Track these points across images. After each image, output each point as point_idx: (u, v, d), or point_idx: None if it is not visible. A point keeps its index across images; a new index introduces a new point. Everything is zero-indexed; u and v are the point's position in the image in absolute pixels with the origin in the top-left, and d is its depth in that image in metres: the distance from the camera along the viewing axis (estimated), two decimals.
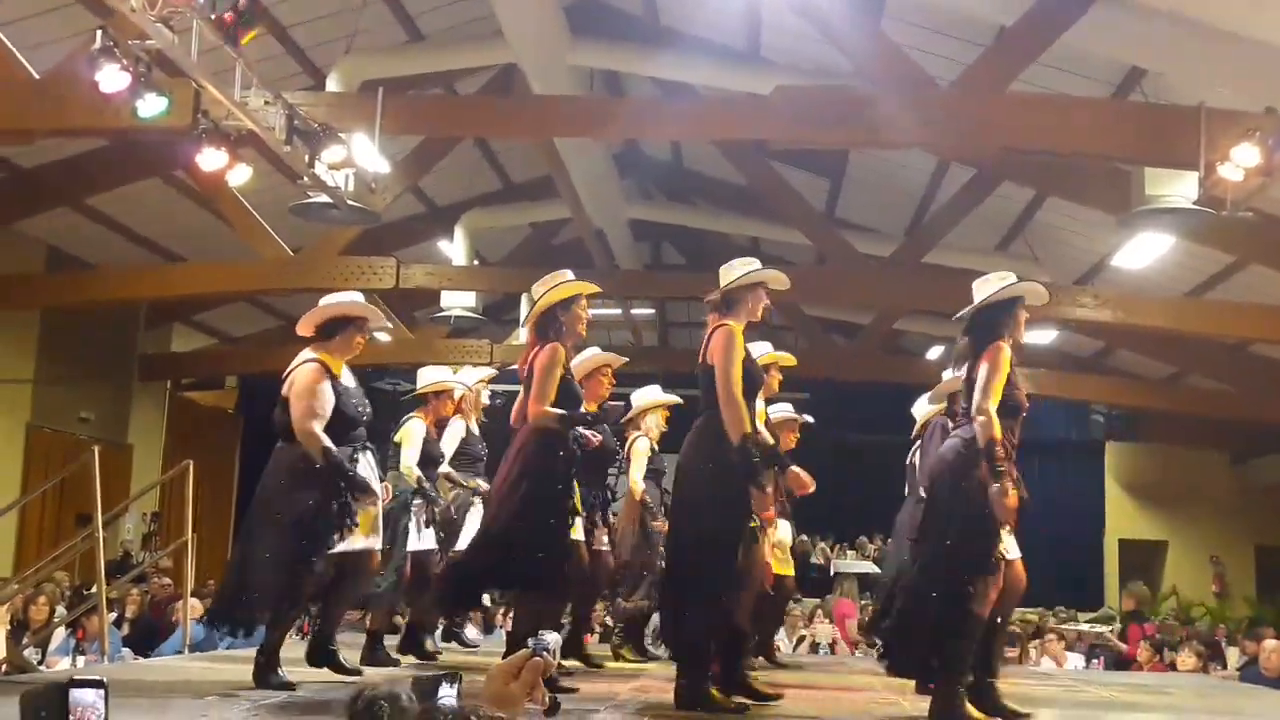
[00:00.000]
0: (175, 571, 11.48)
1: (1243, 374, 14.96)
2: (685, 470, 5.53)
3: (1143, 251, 11.59)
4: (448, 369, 8.02)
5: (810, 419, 8.35)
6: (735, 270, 5.66)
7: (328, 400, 5.63)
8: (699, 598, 5.29)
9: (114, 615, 9.60)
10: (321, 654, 5.98)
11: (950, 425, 6.23)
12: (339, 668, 5.95)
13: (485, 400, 7.99)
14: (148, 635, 9.69)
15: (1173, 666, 10.41)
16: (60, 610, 9.22)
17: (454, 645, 8.23)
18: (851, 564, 17.98)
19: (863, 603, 14.73)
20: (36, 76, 8.24)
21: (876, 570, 17.51)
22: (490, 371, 8.36)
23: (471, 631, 9.82)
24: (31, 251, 14.04)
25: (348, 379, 5.86)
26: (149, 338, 17.27)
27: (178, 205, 13.64)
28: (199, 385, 19.24)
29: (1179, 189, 9.08)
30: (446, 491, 7.52)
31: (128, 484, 15.50)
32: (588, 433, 5.79)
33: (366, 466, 5.81)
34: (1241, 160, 7.31)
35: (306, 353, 5.77)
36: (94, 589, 8.56)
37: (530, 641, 2.31)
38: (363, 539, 5.77)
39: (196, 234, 14.41)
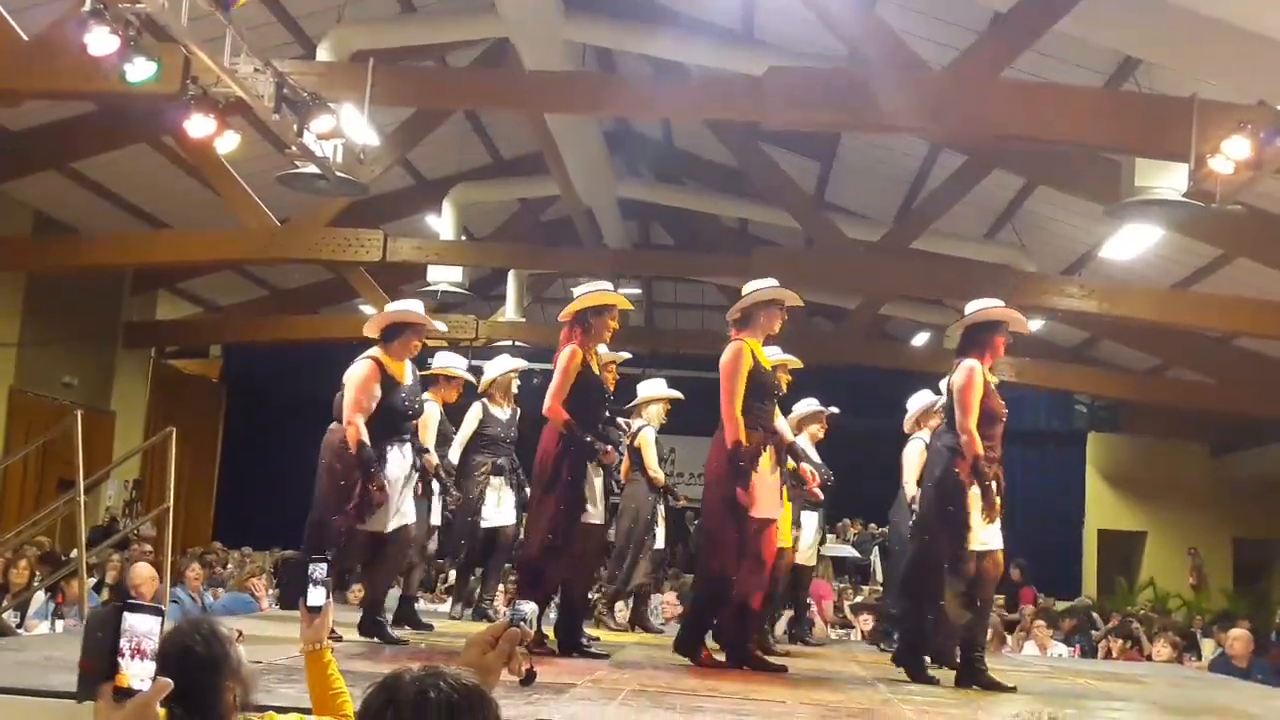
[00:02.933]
0: (156, 539, 11.45)
1: (1226, 367, 15.01)
2: (707, 467, 6.33)
3: (1131, 242, 11.61)
4: (461, 357, 8.53)
5: (836, 410, 8.85)
6: (753, 287, 6.36)
7: (373, 394, 6.34)
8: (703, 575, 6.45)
9: (94, 580, 9.58)
10: (370, 624, 6.62)
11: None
12: (386, 637, 6.59)
13: (514, 389, 8.55)
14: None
15: (1148, 657, 10.47)
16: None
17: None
18: (830, 547, 17.99)
19: (839, 585, 14.76)
20: (25, 38, 8.18)
21: (855, 555, 17.56)
22: (523, 363, 8.85)
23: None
24: (17, 215, 13.96)
25: (405, 375, 6.58)
26: (134, 304, 17.20)
27: (165, 172, 13.57)
28: (183, 353, 19.16)
29: (1169, 181, 9.08)
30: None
31: (110, 450, 15.46)
32: (605, 447, 6.48)
33: (400, 456, 6.51)
34: (1232, 153, 7.29)
35: (370, 350, 6.51)
36: (73, 554, 8.55)
37: (507, 611, 2.32)
38: (395, 518, 6.46)
39: (183, 202, 14.35)
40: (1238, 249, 11.63)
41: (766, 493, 6.22)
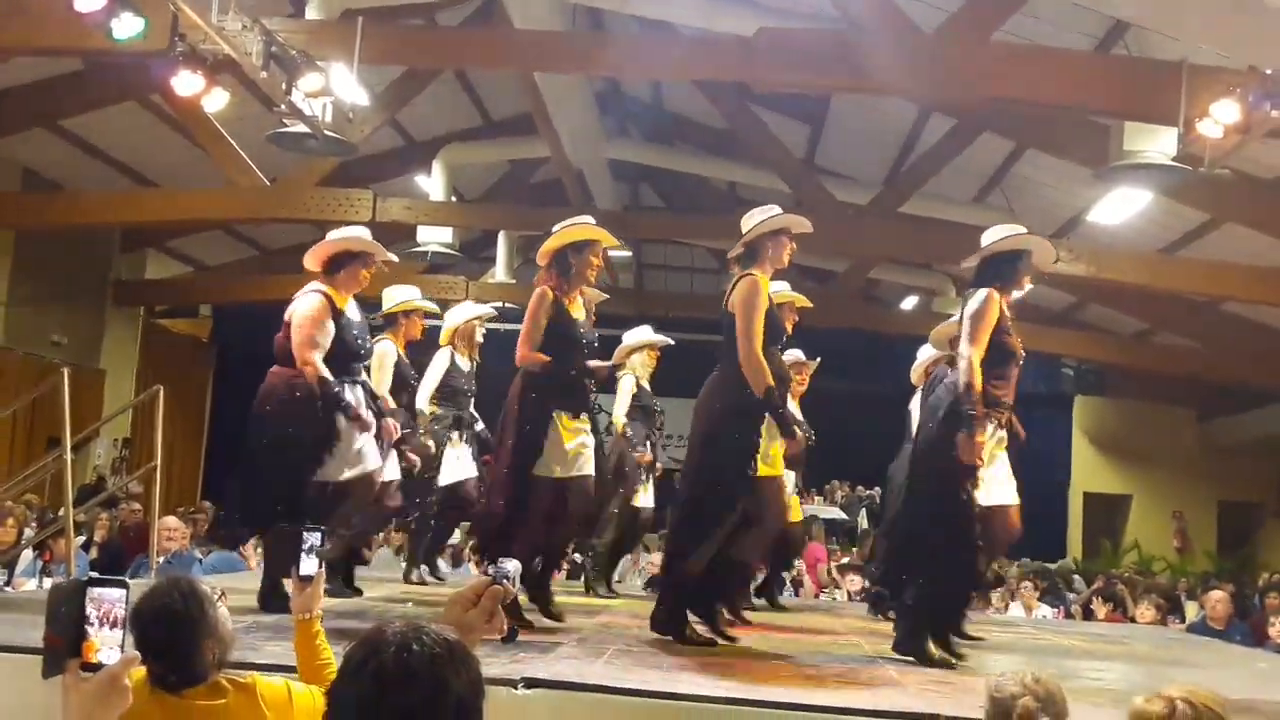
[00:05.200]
0: (144, 497, 11.48)
1: (1212, 332, 15.07)
2: (702, 413, 5.50)
3: (1119, 207, 11.62)
4: (415, 288, 7.82)
5: (818, 360, 8.33)
6: (754, 219, 5.56)
7: (328, 330, 5.80)
8: (700, 533, 5.37)
9: (82, 539, 9.60)
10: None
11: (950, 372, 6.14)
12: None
13: (479, 338, 8.03)
14: (116, 560, 9.70)
15: (1132, 619, 10.56)
16: (28, 532, 9.20)
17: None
18: (820, 509, 18.11)
19: (830, 547, 14.86)
20: None
21: (844, 516, 17.68)
22: (489, 310, 8.29)
23: (442, 565, 9.85)
24: (5, 172, 13.90)
25: (353, 312, 6.05)
26: (123, 263, 17.16)
27: (154, 130, 13.50)
28: (173, 313, 19.13)
29: (1158, 145, 9.09)
30: (425, 423, 7.55)
31: (99, 409, 15.45)
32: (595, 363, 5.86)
33: (354, 400, 5.92)
34: (1221, 117, 7.31)
35: (313, 284, 5.92)
36: (60, 512, 8.55)
37: (490, 569, 2.33)
38: (353, 467, 5.88)
39: (172, 160, 14.28)
40: (1225, 214, 11.65)
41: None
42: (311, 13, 9.85)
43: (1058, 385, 20.70)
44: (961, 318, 5.52)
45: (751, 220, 5.57)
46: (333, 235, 6.11)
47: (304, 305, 5.82)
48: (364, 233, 6.26)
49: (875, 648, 6.07)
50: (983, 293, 5.39)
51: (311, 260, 6.00)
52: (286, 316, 5.86)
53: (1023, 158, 12.87)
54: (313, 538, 3.13)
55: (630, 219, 17.16)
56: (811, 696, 4.20)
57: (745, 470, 5.34)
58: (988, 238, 5.66)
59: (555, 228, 5.91)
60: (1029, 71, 8.38)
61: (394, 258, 6.57)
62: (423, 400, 7.69)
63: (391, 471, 6.70)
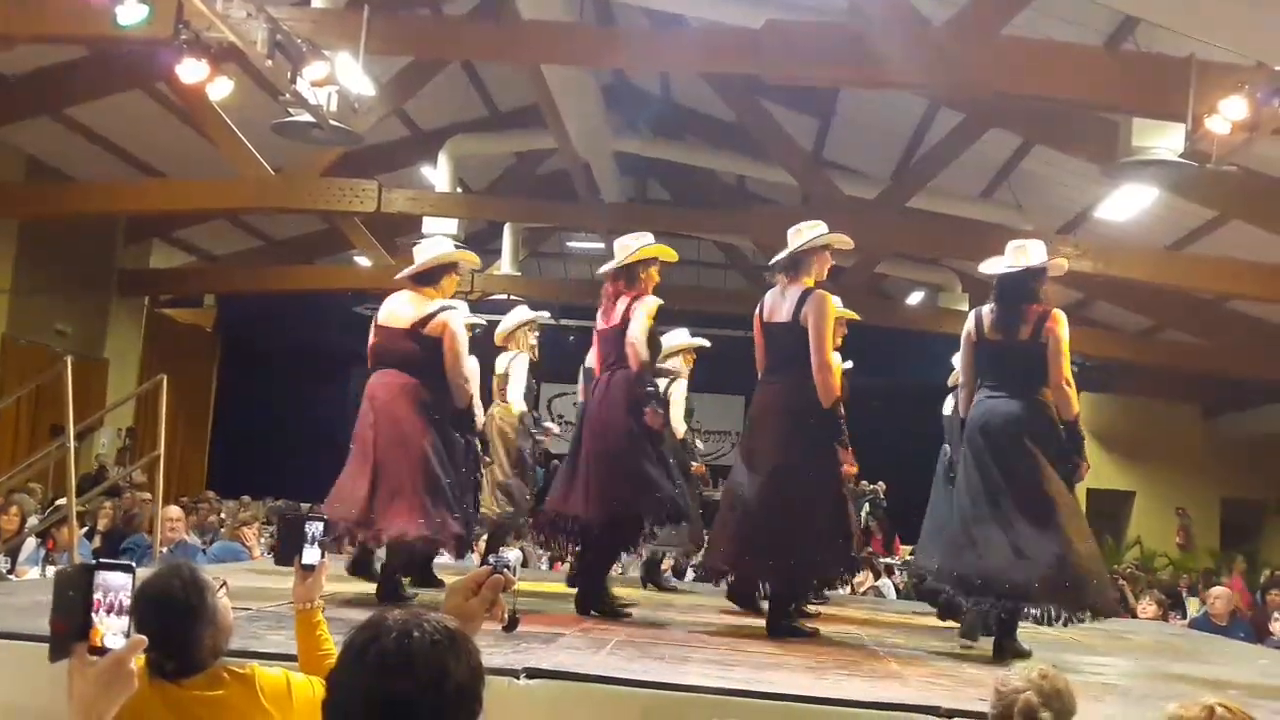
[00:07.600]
0: (148, 486, 11.50)
1: (1218, 329, 15.04)
2: (779, 424, 5.85)
3: (1127, 203, 11.60)
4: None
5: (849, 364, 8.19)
6: (804, 234, 5.98)
7: None
8: (813, 548, 5.67)
9: (85, 528, 9.61)
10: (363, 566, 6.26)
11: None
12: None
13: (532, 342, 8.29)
14: (118, 548, 9.70)
15: (1133, 614, 10.56)
16: (31, 521, 9.22)
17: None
18: None
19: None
20: None
21: None
22: (545, 315, 8.52)
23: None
24: (10, 160, 13.89)
25: None
26: (128, 253, 17.16)
27: (159, 119, 13.49)
28: (177, 302, 19.14)
29: (1166, 141, 9.07)
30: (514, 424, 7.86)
31: (104, 398, 15.47)
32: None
33: None
34: (1229, 113, 7.30)
35: (442, 299, 6.12)
36: (61, 501, 8.57)
37: (491, 558, 2.33)
38: None
39: (178, 150, 14.27)
40: (1232, 211, 11.62)
41: None
42: (317, 1, 9.84)
43: None
44: (1008, 334, 5.72)
45: (800, 235, 6.00)
46: (435, 249, 6.26)
47: (456, 324, 6.03)
48: (449, 243, 6.64)
49: (878, 641, 6.08)
50: (1059, 314, 5.68)
51: (413, 271, 6.17)
52: (428, 330, 6.00)
53: (1031, 153, 12.82)
54: (314, 527, 3.12)
55: (637, 212, 17.16)
56: (813, 688, 4.19)
57: (841, 485, 5.91)
58: (1022, 253, 5.84)
59: (628, 243, 6.50)
60: (1038, 66, 8.35)
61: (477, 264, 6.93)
62: (521, 400, 7.95)
63: None
